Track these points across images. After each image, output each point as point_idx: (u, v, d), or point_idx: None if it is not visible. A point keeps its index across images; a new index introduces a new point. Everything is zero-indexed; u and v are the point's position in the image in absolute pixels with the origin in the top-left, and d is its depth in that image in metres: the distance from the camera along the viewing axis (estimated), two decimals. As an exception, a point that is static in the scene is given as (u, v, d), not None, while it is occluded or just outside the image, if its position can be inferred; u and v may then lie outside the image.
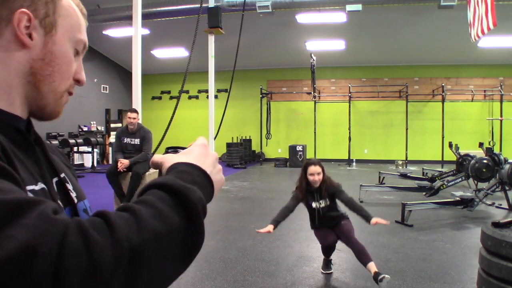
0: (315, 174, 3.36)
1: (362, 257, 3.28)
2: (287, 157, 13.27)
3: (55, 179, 0.65)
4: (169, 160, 0.61)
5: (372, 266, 3.21)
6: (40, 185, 0.57)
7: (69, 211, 0.66)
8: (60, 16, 0.63)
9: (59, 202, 0.61)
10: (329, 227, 3.44)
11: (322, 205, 3.40)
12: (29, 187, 0.54)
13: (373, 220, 3.23)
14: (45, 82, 0.62)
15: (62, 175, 0.68)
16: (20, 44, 0.59)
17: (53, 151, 0.75)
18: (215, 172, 0.63)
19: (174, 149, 0.75)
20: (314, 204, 3.39)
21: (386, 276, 3.07)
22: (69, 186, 0.68)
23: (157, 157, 0.64)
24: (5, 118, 0.59)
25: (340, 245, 4.08)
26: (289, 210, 3.39)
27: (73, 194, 0.68)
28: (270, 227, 3.22)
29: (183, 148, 0.70)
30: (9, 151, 0.53)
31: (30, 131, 0.65)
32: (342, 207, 3.49)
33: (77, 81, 0.68)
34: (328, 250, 3.55)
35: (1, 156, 0.50)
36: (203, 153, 0.63)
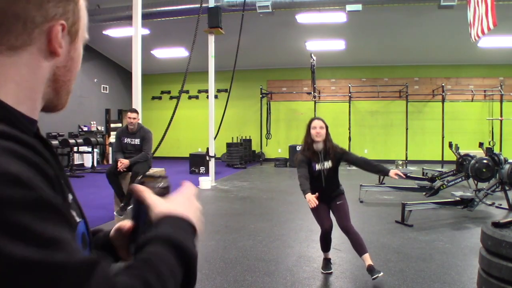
0: (317, 127, 3.37)
1: (358, 247, 3.36)
2: (287, 157, 13.28)
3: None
4: (159, 207, 0.66)
5: (367, 258, 3.32)
6: (70, 196, 0.59)
7: (83, 223, 0.64)
8: (80, 19, 0.63)
9: (74, 216, 0.61)
10: (329, 197, 3.41)
11: (326, 166, 3.39)
12: (69, 198, 0.56)
13: (392, 172, 3.36)
14: (64, 87, 0.63)
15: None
16: (50, 53, 0.58)
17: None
18: (198, 219, 0.68)
19: (149, 177, 0.74)
20: (318, 166, 3.37)
21: (380, 274, 3.19)
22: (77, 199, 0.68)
23: (144, 195, 0.68)
24: (30, 126, 0.58)
25: (340, 245, 4.08)
26: (306, 177, 3.33)
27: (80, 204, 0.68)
28: (312, 196, 3.15)
29: (154, 177, 0.73)
30: (52, 164, 0.54)
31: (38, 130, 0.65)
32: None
33: None
34: (326, 238, 3.51)
35: (50, 176, 0.50)
36: (189, 204, 0.69)
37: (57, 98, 0.63)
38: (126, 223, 0.78)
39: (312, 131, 3.37)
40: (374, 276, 3.20)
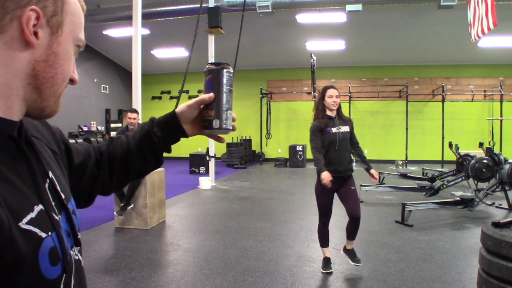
0: (334, 96, 3.41)
1: (352, 233, 3.49)
2: (287, 157, 13.27)
3: (47, 184, 0.62)
4: None
5: (353, 243, 3.55)
6: (37, 208, 0.55)
7: (64, 216, 0.63)
8: (67, 14, 0.60)
9: (54, 215, 0.59)
10: (341, 177, 3.41)
11: (342, 130, 3.43)
12: (25, 219, 0.52)
13: (372, 171, 3.50)
14: (47, 85, 0.59)
15: (50, 174, 0.64)
16: (24, 43, 0.54)
17: (39, 133, 0.70)
18: None
19: (220, 62, 0.86)
20: (334, 129, 3.40)
21: (359, 264, 3.49)
22: (58, 188, 0.64)
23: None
24: (2, 126, 0.55)
25: (340, 245, 4.08)
26: (321, 150, 3.37)
27: (63, 197, 0.65)
28: (329, 174, 3.22)
29: (221, 62, 0.86)
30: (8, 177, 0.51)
31: (21, 132, 0.61)
32: None
33: (71, 81, 0.64)
34: (326, 229, 3.55)
35: None
36: None
37: (40, 99, 0.59)
38: (205, 96, 0.84)
39: (329, 100, 3.40)
40: (356, 260, 3.46)
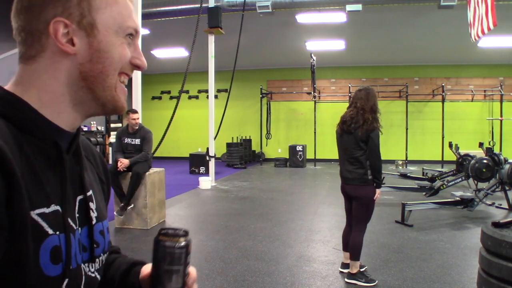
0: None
1: (353, 253, 3.32)
2: (287, 157, 13.27)
3: (80, 197, 0.64)
4: None
5: (355, 266, 3.31)
6: (53, 208, 0.57)
7: (86, 231, 0.65)
8: (99, 10, 0.61)
9: (71, 223, 0.60)
10: None
11: None
12: (37, 211, 0.54)
13: (378, 192, 3.27)
14: (98, 81, 0.62)
15: (89, 193, 0.67)
16: (64, 54, 0.59)
17: (95, 162, 0.74)
18: None
19: (167, 235, 0.65)
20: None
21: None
22: (92, 206, 0.67)
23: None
24: (47, 130, 0.59)
25: (340, 245, 4.07)
26: None
27: (94, 215, 0.67)
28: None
29: (172, 235, 0.65)
30: (26, 169, 0.53)
31: (72, 144, 0.64)
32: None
33: (136, 67, 0.66)
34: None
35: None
36: None
37: (97, 96, 0.63)
38: (147, 268, 0.73)
39: (377, 101, 3.27)
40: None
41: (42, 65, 0.59)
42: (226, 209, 6.40)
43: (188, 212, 6.35)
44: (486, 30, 5.45)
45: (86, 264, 0.64)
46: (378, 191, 3.17)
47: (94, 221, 0.67)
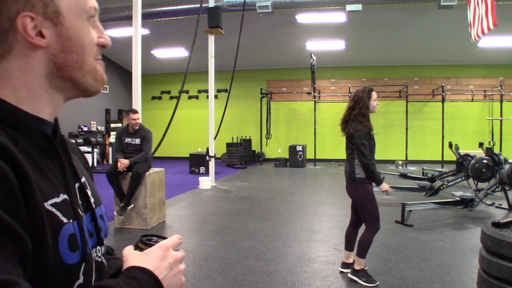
0: (376, 99, 3.32)
1: (358, 249, 3.35)
2: (287, 157, 13.27)
3: (77, 184, 0.66)
4: (129, 260, 0.63)
5: (360, 263, 3.33)
6: (62, 196, 0.58)
7: (89, 216, 0.67)
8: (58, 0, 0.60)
9: (78, 210, 0.62)
10: None
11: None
12: (50, 201, 0.55)
13: (385, 186, 3.33)
14: (75, 69, 0.61)
15: (83, 179, 0.69)
16: (35, 48, 0.58)
17: (74, 152, 0.75)
18: (171, 275, 0.63)
19: (149, 237, 0.69)
20: (374, 135, 3.30)
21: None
22: (89, 192, 0.69)
23: (125, 252, 0.65)
24: (32, 123, 0.59)
25: (341, 245, 4.08)
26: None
27: (92, 200, 0.69)
28: (387, 186, 3.22)
29: (158, 237, 0.68)
30: (28, 163, 0.54)
31: (56, 134, 0.65)
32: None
33: (102, 46, 0.66)
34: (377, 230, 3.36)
35: (9, 182, 0.48)
36: (161, 256, 0.63)
37: (77, 84, 0.63)
38: None
39: (374, 103, 3.27)
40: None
41: (13, 63, 0.57)
42: (226, 209, 6.40)
43: (188, 212, 6.35)
44: (486, 30, 5.45)
45: (94, 250, 0.66)
46: (383, 187, 3.21)
47: (94, 206, 0.69)
